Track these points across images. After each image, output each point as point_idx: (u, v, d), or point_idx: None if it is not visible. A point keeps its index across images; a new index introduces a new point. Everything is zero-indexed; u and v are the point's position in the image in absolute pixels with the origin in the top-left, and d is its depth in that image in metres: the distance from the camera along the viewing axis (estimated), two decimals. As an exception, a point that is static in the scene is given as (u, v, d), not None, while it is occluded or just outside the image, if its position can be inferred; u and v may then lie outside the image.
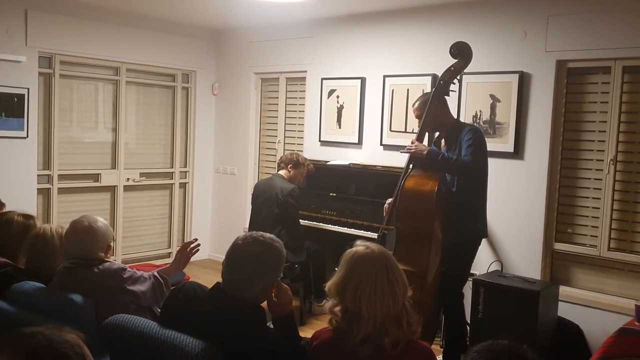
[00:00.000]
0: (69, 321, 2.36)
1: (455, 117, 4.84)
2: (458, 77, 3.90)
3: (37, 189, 5.58)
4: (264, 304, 2.16)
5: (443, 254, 3.78)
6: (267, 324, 2.14)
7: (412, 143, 3.78)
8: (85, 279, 2.62)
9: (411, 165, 3.84)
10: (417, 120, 4.00)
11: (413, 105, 4.02)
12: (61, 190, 5.79)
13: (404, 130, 5.24)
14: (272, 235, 2.21)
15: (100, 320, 2.35)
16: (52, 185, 5.72)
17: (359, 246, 2.07)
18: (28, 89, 5.36)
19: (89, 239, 2.70)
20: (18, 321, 2.52)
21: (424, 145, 3.77)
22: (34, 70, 5.43)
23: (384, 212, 4.03)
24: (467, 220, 3.80)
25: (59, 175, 5.75)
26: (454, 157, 3.67)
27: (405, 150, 3.80)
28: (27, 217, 3.10)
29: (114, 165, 6.19)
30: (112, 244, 2.83)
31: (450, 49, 3.85)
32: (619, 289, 4.33)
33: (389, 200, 4.01)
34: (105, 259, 2.76)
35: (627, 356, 2.99)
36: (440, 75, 3.91)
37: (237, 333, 2.02)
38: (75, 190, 5.91)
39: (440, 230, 3.74)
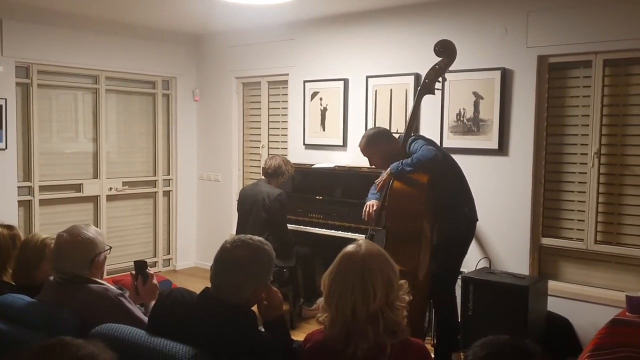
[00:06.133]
0: (51, 333, 2.32)
1: (440, 116, 4.87)
2: (443, 75, 3.89)
3: (18, 201, 5.48)
4: (255, 308, 2.13)
5: (432, 252, 3.78)
6: (259, 328, 2.11)
7: (377, 184, 3.88)
8: (74, 297, 2.48)
9: None
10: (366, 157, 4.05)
11: (359, 145, 4.02)
12: (43, 202, 5.69)
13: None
14: (260, 238, 2.19)
15: (86, 331, 2.29)
16: (34, 197, 5.62)
17: (352, 245, 2.04)
18: (5, 99, 5.26)
19: (69, 253, 2.53)
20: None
21: (385, 174, 3.79)
22: (11, 80, 5.33)
23: (364, 215, 3.98)
24: (455, 214, 3.82)
25: (40, 186, 5.66)
26: (409, 160, 3.68)
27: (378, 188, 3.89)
28: (10, 227, 3.02)
29: (95, 175, 6.10)
30: (101, 257, 2.60)
31: (435, 47, 3.83)
32: (607, 281, 4.35)
33: (370, 202, 3.97)
34: (95, 279, 2.55)
35: (620, 346, 2.99)
36: (422, 74, 3.90)
37: (228, 338, 1.98)
38: (57, 202, 5.82)
39: (429, 228, 3.74)
